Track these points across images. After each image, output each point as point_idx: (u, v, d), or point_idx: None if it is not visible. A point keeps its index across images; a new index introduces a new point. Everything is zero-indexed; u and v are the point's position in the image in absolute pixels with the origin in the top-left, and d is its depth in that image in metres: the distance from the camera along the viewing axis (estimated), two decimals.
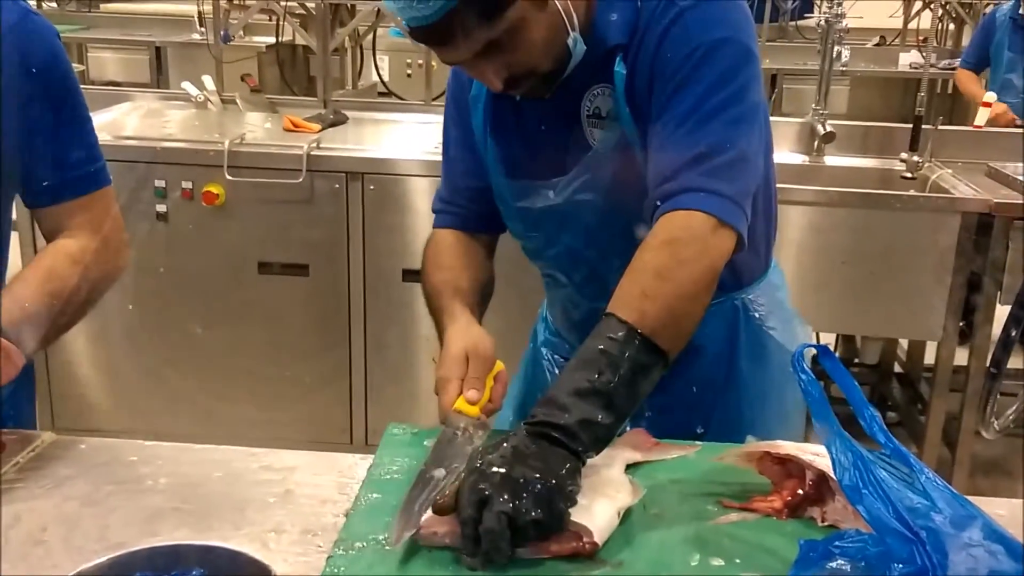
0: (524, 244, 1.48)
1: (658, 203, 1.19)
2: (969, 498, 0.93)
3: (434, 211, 1.51)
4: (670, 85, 1.20)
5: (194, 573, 0.89)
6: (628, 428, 1.24)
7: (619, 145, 1.28)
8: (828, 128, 3.32)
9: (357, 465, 1.19)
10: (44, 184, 1.28)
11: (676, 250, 1.15)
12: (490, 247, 1.48)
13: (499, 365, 1.26)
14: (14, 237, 1.43)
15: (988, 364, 1.48)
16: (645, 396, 1.11)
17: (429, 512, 1.00)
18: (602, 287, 1.42)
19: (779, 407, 1.47)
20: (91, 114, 1.34)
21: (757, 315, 1.43)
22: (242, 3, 4.02)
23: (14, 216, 1.41)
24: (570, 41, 1.21)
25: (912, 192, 3.06)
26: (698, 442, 1.25)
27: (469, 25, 1.11)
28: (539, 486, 0.96)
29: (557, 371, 1.54)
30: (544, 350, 1.59)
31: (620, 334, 1.08)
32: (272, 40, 4.40)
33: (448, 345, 1.26)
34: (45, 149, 1.26)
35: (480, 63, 1.18)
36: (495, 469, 0.97)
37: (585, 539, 0.97)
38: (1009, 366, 1.47)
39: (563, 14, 1.18)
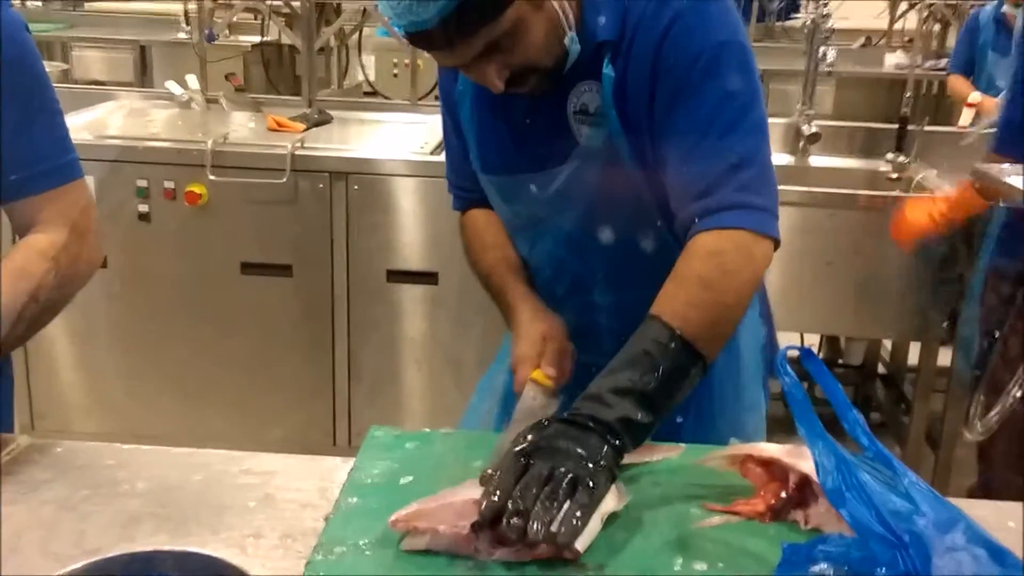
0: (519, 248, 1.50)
1: (696, 220, 1.20)
2: (952, 500, 0.92)
3: (452, 193, 1.56)
4: (680, 92, 1.21)
5: None
6: None
7: (606, 142, 1.28)
8: (814, 129, 3.32)
9: (338, 468, 1.18)
10: (12, 178, 1.25)
11: (722, 261, 1.18)
12: None
13: (569, 344, 1.35)
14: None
15: (971, 366, 1.48)
16: (683, 399, 1.14)
17: (414, 507, 1.00)
18: (586, 301, 1.43)
19: (751, 398, 1.49)
20: (73, 113, 1.33)
21: None
22: (227, 2, 4.00)
23: None
24: (567, 40, 1.22)
25: (898, 193, 3.07)
26: (681, 444, 1.24)
27: (469, 27, 1.12)
28: (577, 463, 0.99)
29: None
30: None
31: (664, 338, 1.12)
32: (257, 39, 4.37)
33: (527, 327, 1.35)
34: (12, 142, 1.24)
35: (481, 65, 1.19)
36: (539, 444, 1.01)
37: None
38: None
39: (560, 13, 1.19)
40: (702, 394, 1.43)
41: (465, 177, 1.50)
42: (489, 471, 1.02)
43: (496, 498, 0.96)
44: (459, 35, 1.12)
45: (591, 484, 0.98)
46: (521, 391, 1.29)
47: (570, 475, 0.97)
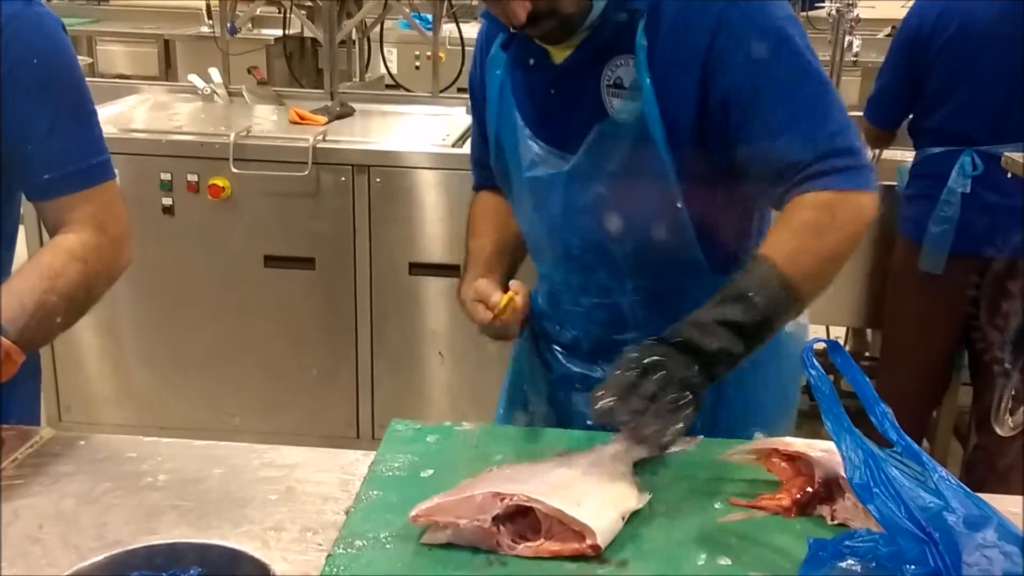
0: (531, 244, 1.49)
1: (805, 182, 1.23)
2: (981, 495, 0.91)
3: (472, 170, 1.62)
4: (754, 71, 1.22)
5: (192, 572, 0.88)
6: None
7: (638, 115, 1.27)
8: None
9: (359, 462, 1.17)
10: (46, 177, 1.26)
11: (834, 213, 1.22)
12: None
13: (509, 295, 1.36)
14: (20, 230, 1.42)
15: (1003, 362, 1.46)
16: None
17: (435, 501, 0.99)
18: (615, 315, 1.40)
19: (783, 396, 1.47)
20: (98, 107, 1.33)
21: None
22: None
23: (21, 210, 1.40)
24: None
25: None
26: (699, 435, 1.23)
27: None
28: (680, 387, 1.09)
29: (548, 356, 1.52)
30: (534, 335, 1.56)
31: (774, 282, 1.16)
32: (279, 32, 4.38)
33: (468, 280, 1.45)
34: (47, 142, 1.24)
35: None
36: (650, 362, 1.10)
37: (588, 541, 0.95)
38: None
39: None
40: (732, 390, 1.42)
41: (482, 158, 1.54)
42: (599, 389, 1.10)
43: (610, 399, 1.07)
44: None
45: (688, 410, 1.08)
46: (484, 322, 1.36)
47: (673, 396, 1.07)
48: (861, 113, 2.91)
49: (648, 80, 1.24)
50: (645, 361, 1.10)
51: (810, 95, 1.24)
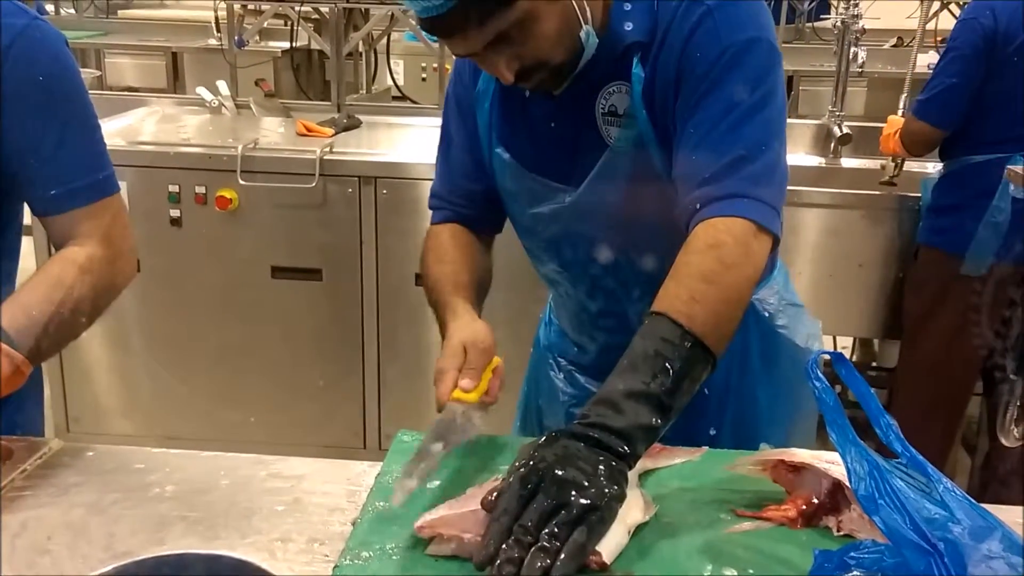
0: (538, 265, 1.48)
1: (698, 206, 1.17)
2: (988, 507, 0.91)
3: (431, 208, 1.50)
4: (701, 85, 1.19)
5: None
6: None
7: (637, 144, 1.26)
8: (845, 130, 3.30)
9: (366, 473, 1.18)
10: (52, 193, 1.27)
11: (721, 254, 1.14)
12: (488, 243, 1.48)
13: (497, 360, 1.24)
14: (29, 242, 1.43)
15: (1007, 371, 1.46)
16: (691, 399, 1.09)
17: (440, 513, 0.99)
18: (621, 320, 1.40)
19: (793, 407, 1.46)
20: (107, 119, 1.35)
21: (767, 314, 1.42)
22: (256, 8, 4.03)
23: (28, 221, 1.41)
24: (582, 34, 1.20)
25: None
26: (704, 446, 1.23)
27: (480, 15, 1.11)
28: (585, 492, 0.93)
29: (562, 375, 1.53)
30: (548, 353, 1.58)
31: (674, 336, 1.07)
32: (287, 45, 4.41)
33: (448, 338, 1.24)
34: (51, 158, 1.26)
35: (491, 54, 1.17)
36: (546, 469, 0.94)
37: (592, 557, 0.95)
38: None
39: (575, 6, 1.18)
40: (740, 402, 1.42)
41: (455, 192, 1.45)
42: (491, 496, 0.96)
43: (492, 542, 0.91)
44: (470, 22, 1.12)
45: (599, 514, 0.93)
46: (440, 408, 1.18)
47: (575, 509, 0.92)
48: (866, 123, 2.90)
49: (644, 112, 1.23)
50: (539, 471, 0.94)
51: (735, 116, 1.17)
